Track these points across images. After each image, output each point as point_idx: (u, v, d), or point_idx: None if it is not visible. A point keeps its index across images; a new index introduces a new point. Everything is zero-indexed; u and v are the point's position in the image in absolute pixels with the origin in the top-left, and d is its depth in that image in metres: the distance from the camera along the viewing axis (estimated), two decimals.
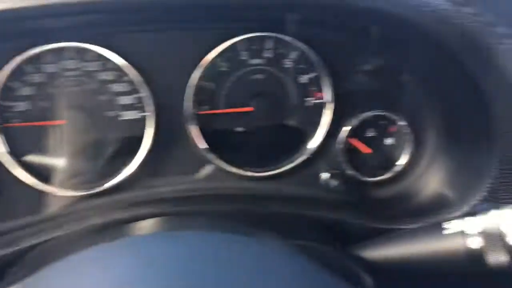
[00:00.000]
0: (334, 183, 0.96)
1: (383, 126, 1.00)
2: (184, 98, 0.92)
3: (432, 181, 0.99)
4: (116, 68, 0.90)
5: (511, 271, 0.65)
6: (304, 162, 0.98)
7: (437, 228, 0.70)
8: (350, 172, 0.99)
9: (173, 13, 0.83)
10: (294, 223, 0.88)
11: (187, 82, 0.91)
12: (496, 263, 0.65)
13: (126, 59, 0.89)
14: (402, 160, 1.00)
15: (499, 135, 0.78)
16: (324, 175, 0.98)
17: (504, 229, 0.64)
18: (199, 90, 0.92)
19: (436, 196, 0.97)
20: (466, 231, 0.67)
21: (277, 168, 0.98)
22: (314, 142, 0.98)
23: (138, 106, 0.92)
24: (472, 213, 0.68)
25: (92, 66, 0.90)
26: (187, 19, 0.89)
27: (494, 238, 0.64)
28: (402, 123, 0.99)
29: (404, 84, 0.99)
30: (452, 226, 0.69)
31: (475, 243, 0.66)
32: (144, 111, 0.92)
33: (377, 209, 0.98)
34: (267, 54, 0.94)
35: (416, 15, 0.73)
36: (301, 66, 0.95)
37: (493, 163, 0.81)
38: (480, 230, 0.65)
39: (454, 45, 0.72)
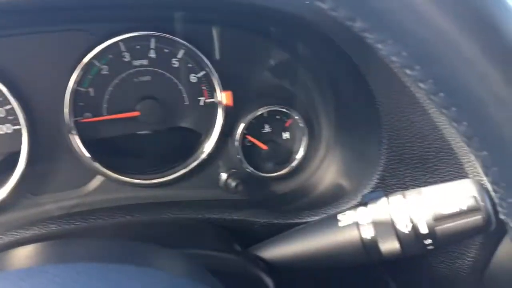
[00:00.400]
0: (234, 183, 0.94)
1: (278, 121, 0.99)
2: (61, 106, 0.84)
3: (329, 173, 1.00)
4: None
5: (405, 259, 0.67)
6: (201, 164, 0.94)
7: (332, 220, 0.70)
8: (249, 169, 0.97)
9: (39, 14, 0.75)
10: (192, 229, 0.85)
11: (64, 88, 0.83)
12: (389, 252, 0.66)
13: None
14: (299, 154, 1.00)
15: (385, 125, 0.80)
16: (223, 176, 0.96)
17: (393, 216, 0.65)
18: (78, 96, 0.85)
19: (334, 187, 0.98)
20: (359, 222, 0.67)
21: (173, 173, 0.93)
22: (210, 143, 0.94)
23: (10, 119, 0.83)
24: (364, 203, 0.68)
25: None
26: (58, 20, 0.81)
27: (384, 226, 0.65)
28: (296, 117, 0.99)
29: (297, 79, 0.99)
30: (345, 218, 0.69)
31: (368, 232, 0.67)
32: (18, 124, 0.83)
33: (278, 205, 0.97)
34: (152, 54, 0.89)
35: (295, 8, 0.72)
36: (189, 65, 0.91)
37: (382, 152, 0.83)
38: (371, 219, 0.66)
39: (335, 37, 0.73)
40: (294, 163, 1.01)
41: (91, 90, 0.86)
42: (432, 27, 0.34)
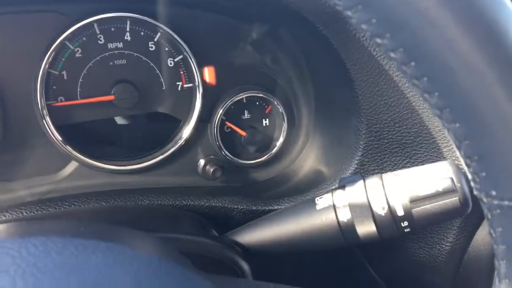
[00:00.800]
0: (212, 169, 0.92)
1: (258, 108, 0.98)
2: (34, 90, 0.82)
3: (309, 159, 0.99)
4: None
5: (381, 242, 0.66)
6: (178, 150, 0.93)
7: (309, 204, 0.69)
8: (227, 156, 0.96)
9: None
10: (168, 215, 0.84)
11: (36, 72, 0.81)
12: (366, 235, 0.66)
13: None
14: (279, 141, 0.99)
15: (364, 109, 0.80)
16: (201, 162, 0.94)
17: (370, 198, 0.64)
18: (51, 79, 0.83)
19: (314, 173, 0.97)
20: (336, 204, 0.66)
21: (150, 160, 0.91)
22: (188, 129, 0.92)
23: None
24: (341, 186, 0.68)
25: None
26: (31, 1, 0.78)
27: (361, 208, 0.65)
28: (276, 103, 0.97)
29: (276, 64, 0.98)
30: (322, 201, 0.68)
31: (345, 215, 0.66)
32: None
33: (258, 192, 0.96)
34: (128, 37, 0.87)
35: None
36: (166, 49, 0.89)
37: (361, 137, 0.82)
38: (348, 202, 0.66)
39: (312, 17, 0.71)
40: (274, 150, 1.00)
41: (64, 73, 0.84)
42: None
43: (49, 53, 0.81)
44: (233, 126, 0.96)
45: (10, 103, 0.82)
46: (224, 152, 0.95)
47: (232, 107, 0.95)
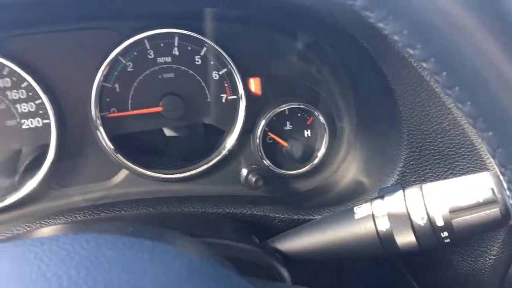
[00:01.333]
0: (254, 178, 0.95)
1: (300, 119, 1.00)
2: (88, 101, 0.87)
3: (350, 170, 1.00)
4: (12, 74, 0.84)
5: (422, 253, 0.66)
6: (222, 160, 0.96)
7: (348, 213, 0.70)
8: (269, 166, 0.98)
9: (66, 11, 0.79)
10: (212, 222, 0.86)
11: (91, 84, 0.87)
12: (405, 244, 0.66)
13: (21, 65, 0.83)
14: (320, 152, 1.01)
15: (405, 120, 0.80)
16: (244, 172, 0.97)
17: (409, 208, 0.65)
18: (104, 92, 0.88)
19: (354, 184, 0.98)
20: (374, 214, 0.67)
21: (195, 168, 0.95)
22: (231, 139, 0.96)
23: (40, 113, 0.87)
24: (380, 196, 0.68)
25: None
26: (84, 18, 0.84)
27: (400, 218, 0.65)
28: (318, 115, 0.99)
29: (317, 76, 1.00)
30: (361, 210, 0.69)
31: (383, 225, 0.67)
32: (48, 118, 0.87)
33: (298, 202, 0.98)
34: (176, 52, 0.92)
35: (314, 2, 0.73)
36: (211, 62, 0.93)
37: (402, 148, 0.82)
38: (387, 211, 0.66)
39: (351, 30, 0.73)
40: (315, 161, 1.01)
41: (116, 86, 0.89)
42: (432, 5, 0.34)
43: (103, 67, 0.86)
44: (275, 137, 0.99)
45: (66, 113, 0.88)
46: (266, 162, 0.98)
47: (274, 118, 0.97)
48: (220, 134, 0.97)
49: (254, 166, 0.97)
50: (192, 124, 0.96)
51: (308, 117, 1.00)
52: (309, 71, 0.99)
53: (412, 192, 0.65)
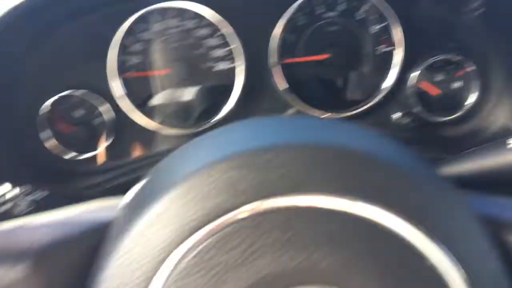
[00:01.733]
0: (406, 120, 1.06)
1: (450, 71, 1.08)
2: (268, 49, 1.05)
3: (499, 118, 1.06)
4: (210, 24, 1.04)
5: None
6: (377, 103, 1.08)
7: (500, 144, 0.78)
8: (420, 112, 1.08)
9: None
10: None
11: (271, 34, 1.04)
12: None
13: (220, 15, 1.03)
14: (470, 101, 1.08)
15: None
16: (396, 115, 1.08)
17: None
18: (282, 41, 1.05)
19: (503, 131, 1.04)
20: None
21: (353, 110, 1.09)
22: (386, 85, 1.07)
23: (228, 58, 1.07)
24: None
25: (189, 24, 1.05)
26: None
27: None
28: (469, 67, 1.06)
29: (469, 30, 1.06)
30: None
31: None
32: (234, 62, 1.06)
33: (446, 146, 1.07)
34: (340, 8, 1.05)
35: None
36: (371, 17, 1.05)
37: None
38: None
39: None
40: (465, 109, 1.08)
41: (292, 36, 1.06)
42: None
43: (282, 20, 1.04)
44: (427, 85, 1.08)
45: (251, 59, 1.06)
46: (418, 108, 1.08)
47: (427, 68, 1.07)
48: (377, 80, 1.09)
49: (406, 111, 1.08)
50: (352, 71, 1.09)
51: (459, 69, 1.07)
52: (461, 25, 1.06)
53: None
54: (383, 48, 1.07)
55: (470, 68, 1.06)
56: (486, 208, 0.51)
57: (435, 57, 1.06)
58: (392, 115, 1.10)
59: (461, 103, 1.09)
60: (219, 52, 1.07)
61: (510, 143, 0.78)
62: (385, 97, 1.08)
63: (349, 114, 1.09)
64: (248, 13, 1.04)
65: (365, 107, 1.09)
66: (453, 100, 1.08)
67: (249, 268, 0.40)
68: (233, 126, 0.51)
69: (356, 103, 1.09)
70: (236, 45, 1.05)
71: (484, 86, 1.07)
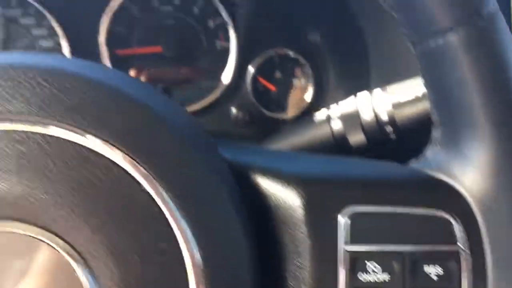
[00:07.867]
0: (245, 117, 1.05)
1: (288, 68, 1.10)
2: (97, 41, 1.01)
3: None
4: (37, 13, 0.98)
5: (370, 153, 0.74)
6: (216, 100, 1.07)
7: (308, 118, 0.79)
8: (258, 108, 1.08)
9: None
10: None
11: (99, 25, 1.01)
12: (356, 143, 0.74)
13: (45, 6, 0.98)
14: (306, 100, 1.09)
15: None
16: (235, 111, 1.07)
17: (359, 108, 0.73)
18: (110, 34, 1.01)
19: None
20: (330, 115, 0.76)
21: (191, 106, 1.06)
22: (224, 81, 1.06)
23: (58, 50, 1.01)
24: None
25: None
26: None
27: (351, 117, 0.74)
28: (304, 65, 1.08)
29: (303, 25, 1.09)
30: (319, 114, 0.78)
31: (337, 125, 0.75)
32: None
33: None
34: (176, 2, 1.04)
35: None
36: (207, 12, 1.05)
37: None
38: (340, 113, 0.75)
39: None
40: (302, 108, 1.09)
41: (122, 29, 1.03)
42: None
43: (110, 11, 1.00)
44: (264, 81, 1.08)
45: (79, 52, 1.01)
46: (255, 104, 1.07)
47: (263, 64, 1.07)
48: (214, 76, 1.07)
49: (244, 108, 1.07)
50: (188, 66, 1.07)
51: (297, 66, 1.09)
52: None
53: (362, 95, 0.74)
54: (219, 44, 1.07)
55: (305, 66, 1.08)
56: (228, 153, 0.48)
57: (272, 53, 1.07)
58: (231, 111, 1.08)
59: (298, 103, 1.10)
60: (46, 43, 1.01)
61: (315, 116, 0.80)
62: (223, 93, 1.07)
63: (187, 110, 1.05)
64: (71, 3, 1.00)
65: (204, 104, 1.06)
66: (289, 99, 1.09)
67: None
68: None
69: (195, 99, 1.07)
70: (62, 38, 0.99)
71: (318, 85, 1.10)
